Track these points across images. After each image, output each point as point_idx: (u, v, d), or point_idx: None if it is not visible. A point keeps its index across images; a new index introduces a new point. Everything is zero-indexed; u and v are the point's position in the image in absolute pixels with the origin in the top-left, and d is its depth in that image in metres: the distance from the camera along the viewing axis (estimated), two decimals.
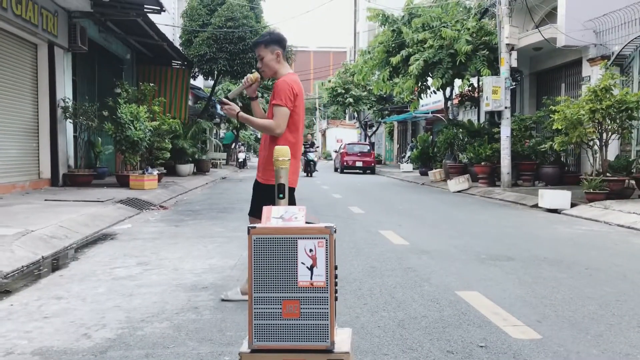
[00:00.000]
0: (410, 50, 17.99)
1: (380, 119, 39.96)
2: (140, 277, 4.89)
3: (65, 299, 4.20)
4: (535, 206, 11.20)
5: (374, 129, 44.01)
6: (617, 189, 10.83)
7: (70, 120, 13.06)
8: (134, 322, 3.63)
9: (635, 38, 12.99)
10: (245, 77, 3.98)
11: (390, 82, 20.00)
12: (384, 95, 31.92)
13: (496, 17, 15.75)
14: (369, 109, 39.75)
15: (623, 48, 13.33)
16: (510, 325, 3.56)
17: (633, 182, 11.22)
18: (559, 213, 10.36)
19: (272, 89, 3.86)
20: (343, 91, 38.16)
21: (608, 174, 11.11)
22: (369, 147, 31.82)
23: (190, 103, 23.55)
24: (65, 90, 13.03)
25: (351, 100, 37.96)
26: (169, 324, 3.59)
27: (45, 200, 9.55)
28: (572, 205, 10.55)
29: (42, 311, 3.86)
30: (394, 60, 18.22)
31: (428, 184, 19.02)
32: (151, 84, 15.60)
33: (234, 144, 38.65)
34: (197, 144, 21.69)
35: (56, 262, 5.65)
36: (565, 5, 14.66)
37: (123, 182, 12.77)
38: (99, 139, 14.51)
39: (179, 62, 20.66)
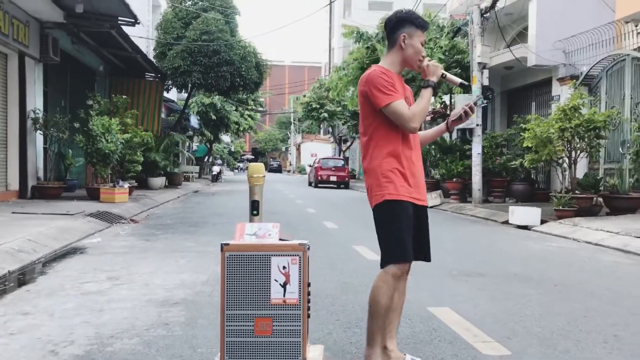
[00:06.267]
0: None
1: (354, 134, 40.14)
2: (110, 292, 4.81)
3: (32, 314, 4.11)
4: (506, 222, 11.34)
5: (349, 143, 44.19)
6: (586, 206, 11.04)
7: (41, 132, 12.87)
8: (104, 338, 3.57)
9: (602, 59, 13.35)
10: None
11: None
12: (359, 111, 32.13)
13: (468, 36, 16.02)
14: (343, 124, 39.90)
15: (591, 68, 13.68)
16: (480, 342, 3.59)
17: (601, 199, 11.45)
18: (529, 230, 10.50)
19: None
20: (318, 106, 38.32)
21: (577, 192, 11.32)
22: (343, 162, 31.95)
23: (163, 116, 23.40)
24: (35, 101, 12.84)
25: (326, 115, 38.14)
26: (139, 340, 3.54)
27: (13, 212, 9.35)
28: (542, 222, 10.72)
29: (7, 327, 3.77)
30: None
31: None
32: (124, 96, 15.49)
33: (206, 157, 38.47)
34: (169, 157, 21.53)
35: (23, 277, 5.53)
36: (535, 26, 15.03)
37: (93, 195, 12.59)
38: (70, 151, 14.31)
39: (153, 75, 20.55)
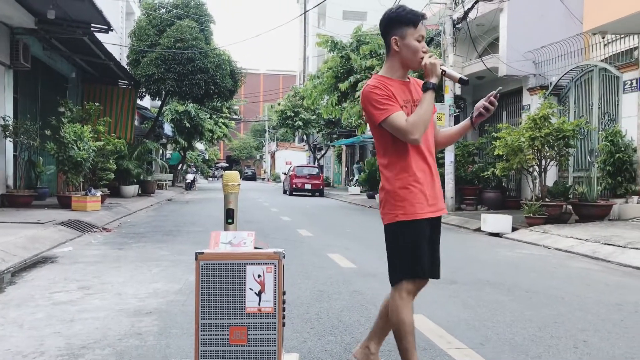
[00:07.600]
0: (358, 76, 18.32)
1: (329, 142, 40.30)
2: (81, 302, 4.75)
3: (0, 325, 4.03)
4: (478, 230, 11.48)
5: (323, 152, 44.33)
6: (555, 213, 11.23)
7: (11, 139, 12.64)
8: (75, 348, 3.52)
9: (571, 70, 13.64)
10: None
11: (339, 106, 20.30)
12: (333, 120, 32.28)
13: (441, 47, 16.22)
14: (318, 132, 40.07)
15: (560, 79, 13.96)
16: (454, 348, 3.63)
17: (570, 207, 11.66)
18: (501, 237, 10.64)
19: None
20: (292, 114, 38.41)
21: (547, 199, 11.51)
22: (317, 170, 31.98)
23: (136, 123, 23.18)
24: (5, 108, 12.60)
25: (300, 123, 38.24)
26: (111, 350, 3.50)
27: None
28: (513, 229, 10.87)
29: None
30: (343, 86, 18.52)
31: (375, 207, 19.21)
32: (96, 104, 15.33)
33: (180, 165, 38.18)
34: (142, 165, 21.32)
35: None
36: (506, 37, 15.28)
37: (65, 204, 12.41)
38: (41, 158, 14.08)
39: (126, 82, 20.34)
